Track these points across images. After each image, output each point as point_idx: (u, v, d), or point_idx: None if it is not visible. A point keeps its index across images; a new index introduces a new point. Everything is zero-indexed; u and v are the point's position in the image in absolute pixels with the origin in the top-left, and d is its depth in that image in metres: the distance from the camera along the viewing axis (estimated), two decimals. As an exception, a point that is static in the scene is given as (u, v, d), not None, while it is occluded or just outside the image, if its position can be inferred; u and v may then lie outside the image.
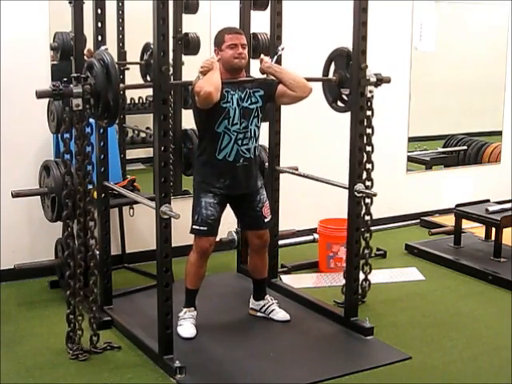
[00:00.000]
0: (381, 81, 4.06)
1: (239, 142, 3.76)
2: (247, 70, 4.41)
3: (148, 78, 4.94)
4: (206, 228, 3.74)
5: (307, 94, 3.80)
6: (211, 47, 5.01)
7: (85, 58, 4.03)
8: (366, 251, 4.21)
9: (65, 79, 3.40)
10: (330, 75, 4.18)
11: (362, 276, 4.16)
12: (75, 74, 3.42)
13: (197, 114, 3.78)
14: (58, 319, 3.87)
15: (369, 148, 4.05)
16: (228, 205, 3.93)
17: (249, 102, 3.79)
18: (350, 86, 3.95)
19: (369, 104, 4.01)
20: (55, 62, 4.57)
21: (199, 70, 3.66)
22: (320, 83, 4.25)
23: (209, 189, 3.77)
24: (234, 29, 3.85)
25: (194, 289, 3.86)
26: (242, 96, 3.77)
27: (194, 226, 3.77)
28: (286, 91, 3.80)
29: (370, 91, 3.94)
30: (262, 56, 3.91)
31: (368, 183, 4.08)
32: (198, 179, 3.84)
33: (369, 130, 4.04)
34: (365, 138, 3.94)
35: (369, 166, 4.07)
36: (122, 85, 3.52)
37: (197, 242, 3.77)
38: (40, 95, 3.37)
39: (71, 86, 3.36)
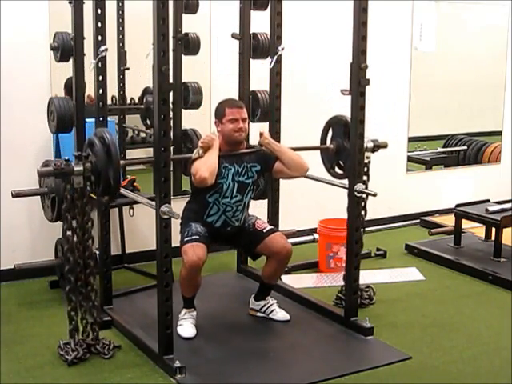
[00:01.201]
0: (378, 147, 4.17)
1: (228, 213, 3.84)
2: (247, 68, 4.43)
3: (148, 122, 4.99)
4: (197, 236, 3.74)
5: (304, 174, 3.91)
6: (211, 47, 5.07)
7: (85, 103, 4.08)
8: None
9: (66, 158, 3.47)
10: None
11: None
12: (77, 153, 3.50)
13: (192, 182, 3.80)
14: (58, 319, 3.87)
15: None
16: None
17: (245, 176, 3.85)
18: (347, 157, 4.00)
19: (365, 169, 4.09)
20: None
21: (199, 145, 3.73)
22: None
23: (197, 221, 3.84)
24: (235, 102, 3.90)
25: (191, 296, 3.85)
26: (240, 170, 3.84)
27: (185, 239, 3.75)
28: (283, 169, 3.88)
29: (367, 157, 3.97)
30: (262, 130, 3.95)
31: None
32: (185, 216, 3.87)
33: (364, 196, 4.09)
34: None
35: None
36: (122, 161, 3.61)
37: (185, 258, 3.69)
38: (42, 174, 3.53)
39: (72, 163, 3.44)
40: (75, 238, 3.55)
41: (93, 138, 3.46)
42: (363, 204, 4.14)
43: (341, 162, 4.22)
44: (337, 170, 4.30)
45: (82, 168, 3.43)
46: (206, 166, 3.62)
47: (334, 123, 4.25)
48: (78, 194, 3.50)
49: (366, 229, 4.29)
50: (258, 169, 3.90)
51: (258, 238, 3.92)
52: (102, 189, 3.46)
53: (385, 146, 4.23)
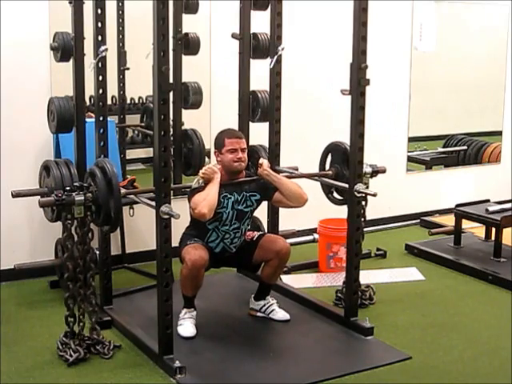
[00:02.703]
0: (376, 172, 4.22)
1: (226, 240, 3.88)
2: (247, 68, 4.44)
3: (149, 139, 4.99)
4: (199, 242, 3.79)
5: (302, 204, 3.91)
6: (211, 47, 5.06)
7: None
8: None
9: (67, 187, 3.51)
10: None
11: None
12: (78, 183, 3.54)
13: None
14: (58, 319, 3.86)
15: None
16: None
17: (244, 205, 3.88)
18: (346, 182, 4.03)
19: (364, 203, 4.11)
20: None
21: (200, 175, 3.75)
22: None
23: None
24: (234, 133, 3.91)
25: (192, 295, 3.86)
26: (239, 199, 3.86)
27: (187, 243, 3.78)
28: (282, 199, 3.91)
29: (365, 183, 3.99)
30: (261, 160, 3.96)
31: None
32: (186, 236, 3.89)
33: (362, 224, 4.09)
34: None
35: None
36: (123, 190, 3.65)
37: (186, 256, 3.70)
38: (43, 204, 3.54)
39: (73, 194, 3.47)
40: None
41: (94, 169, 3.52)
42: (362, 211, 4.15)
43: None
44: (335, 194, 4.35)
45: (83, 198, 3.47)
46: (205, 202, 3.63)
47: (333, 150, 4.28)
48: (78, 223, 3.53)
49: (366, 229, 4.29)
50: (257, 198, 3.93)
51: (251, 247, 3.95)
52: (102, 219, 3.52)
53: (383, 171, 4.26)
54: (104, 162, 3.56)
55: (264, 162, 3.94)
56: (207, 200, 3.64)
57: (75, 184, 3.57)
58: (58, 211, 3.99)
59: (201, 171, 3.77)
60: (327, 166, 4.43)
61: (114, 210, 3.49)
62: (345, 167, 4.17)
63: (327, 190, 4.40)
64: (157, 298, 3.44)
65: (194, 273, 3.69)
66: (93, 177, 3.55)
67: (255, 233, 4.03)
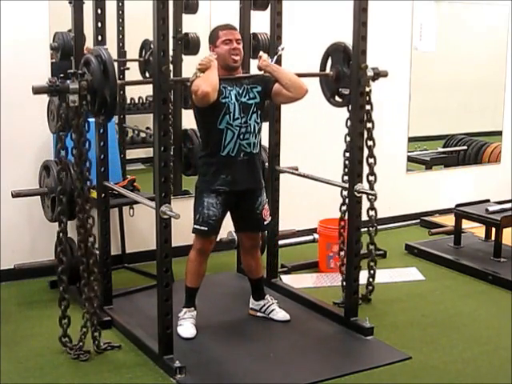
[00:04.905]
0: (378, 75, 4.03)
1: (241, 136, 3.75)
2: (247, 68, 4.43)
3: (147, 75, 4.93)
4: (206, 228, 3.74)
5: (303, 95, 3.80)
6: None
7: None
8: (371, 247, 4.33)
9: (62, 75, 3.40)
10: (328, 69, 4.19)
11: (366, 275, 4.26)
12: (72, 70, 3.42)
13: (197, 113, 3.77)
14: (58, 319, 3.86)
15: (370, 142, 4.06)
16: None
17: (247, 97, 3.79)
18: (348, 84, 3.95)
19: (368, 98, 4.02)
20: (54, 60, 4.57)
21: (197, 67, 3.65)
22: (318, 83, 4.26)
23: (211, 188, 3.74)
24: (228, 25, 3.84)
25: (194, 287, 3.86)
26: (240, 91, 3.77)
27: (195, 226, 3.78)
28: (281, 90, 3.79)
29: (368, 86, 3.93)
30: (261, 53, 3.88)
31: (371, 178, 4.10)
32: (200, 178, 3.84)
33: (369, 125, 4.03)
34: (365, 132, 3.97)
35: (371, 160, 4.08)
36: (119, 81, 3.51)
37: (196, 241, 3.81)
38: (37, 91, 3.39)
39: (68, 81, 3.36)
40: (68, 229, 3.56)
41: (89, 57, 3.37)
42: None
43: (341, 90, 4.13)
44: (337, 98, 4.22)
45: (77, 86, 3.36)
46: (207, 82, 3.55)
47: (333, 51, 4.16)
48: (72, 113, 3.43)
49: (366, 229, 4.29)
50: (258, 89, 3.83)
51: (256, 226, 3.96)
52: (97, 107, 3.36)
53: (385, 74, 4.11)
54: (100, 50, 3.38)
55: (263, 54, 3.88)
56: (208, 80, 3.56)
57: (69, 71, 3.42)
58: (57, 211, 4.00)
59: (198, 63, 3.67)
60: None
61: (109, 97, 3.30)
62: (345, 66, 4.04)
63: (329, 93, 4.27)
64: (157, 298, 3.44)
65: (203, 257, 3.80)
66: (87, 65, 3.38)
67: (268, 217, 3.96)
